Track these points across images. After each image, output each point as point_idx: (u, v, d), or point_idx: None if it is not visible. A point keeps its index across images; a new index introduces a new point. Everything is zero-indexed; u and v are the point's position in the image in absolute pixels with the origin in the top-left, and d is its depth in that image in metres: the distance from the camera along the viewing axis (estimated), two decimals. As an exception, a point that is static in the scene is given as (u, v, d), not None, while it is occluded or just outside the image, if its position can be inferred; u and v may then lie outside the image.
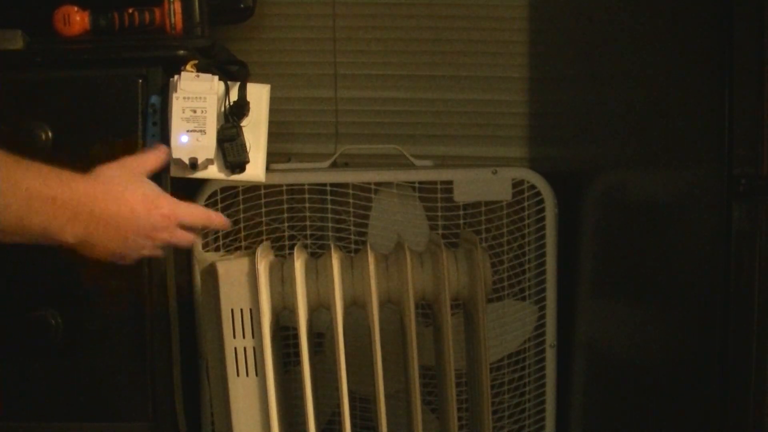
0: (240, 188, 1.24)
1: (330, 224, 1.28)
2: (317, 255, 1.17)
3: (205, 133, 1.03)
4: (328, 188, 1.25)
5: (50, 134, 1.02)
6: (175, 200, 0.93)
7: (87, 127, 1.04)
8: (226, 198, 1.23)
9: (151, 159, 0.96)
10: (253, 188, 1.24)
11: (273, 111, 1.13)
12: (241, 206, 1.24)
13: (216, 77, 1.05)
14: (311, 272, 1.07)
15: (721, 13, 0.75)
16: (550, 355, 1.26)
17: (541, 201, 1.24)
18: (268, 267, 1.05)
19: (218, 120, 1.05)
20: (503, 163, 1.35)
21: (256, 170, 1.10)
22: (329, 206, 1.27)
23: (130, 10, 1.11)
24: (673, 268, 0.86)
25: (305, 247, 1.23)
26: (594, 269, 1.15)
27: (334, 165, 1.33)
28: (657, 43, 0.91)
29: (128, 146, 1.03)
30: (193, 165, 1.04)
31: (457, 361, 1.12)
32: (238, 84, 1.08)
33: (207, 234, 1.24)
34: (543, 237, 1.25)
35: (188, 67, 1.05)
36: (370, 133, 1.49)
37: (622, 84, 1.01)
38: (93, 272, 1.04)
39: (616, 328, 1.05)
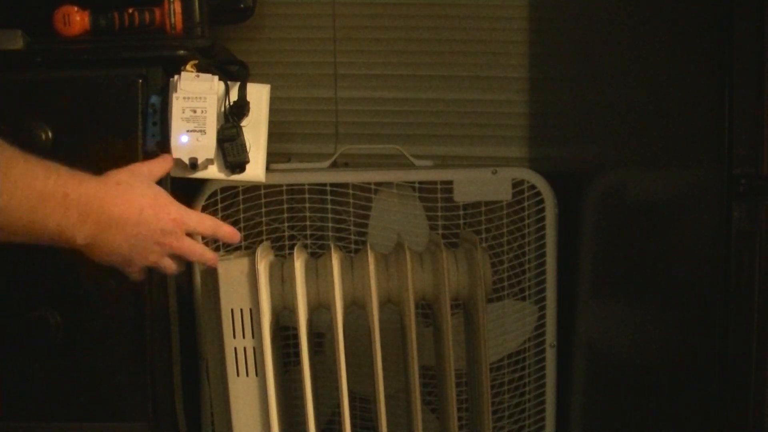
0: (240, 188, 1.24)
1: (330, 224, 1.28)
2: (317, 255, 1.17)
3: (205, 133, 1.03)
4: (328, 188, 1.25)
5: (50, 134, 1.02)
6: (184, 207, 0.93)
7: (87, 127, 1.04)
8: (226, 198, 1.24)
9: (157, 165, 0.96)
10: (253, 188, 1.24)
11: (273, 111, 1.13)
12: (241, 206, 1.24)
13: (216, 77, 1.05)
14: (311, 272, 1.07)
15: (721, 13, 0.75)
16: (550, 355, 1.26)
17: (541, 201, 1.24)
18: (268, 267, 1.05)
19: (218, 120, 1.05)
20: (503, 163, 1.35)
21: (256, 170, 1.10)
22: (329, 206, 1.27)
23: (130, 10, 1.11)
24: (673, 268, 0.86)
25: (305, 247, 1.23)
26: (594, 269, 1.15)
27: (334, 165, 1.33)
28: (657, 43, 0.91)
29: (128, 146, 1.03)
30: (193, 165, 1.04)
31: (457, 361, 1.12)
32: (238, 84, 1.08)
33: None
34: (543, 237, 1.25)
35: (188, 67, 1.05)
36: (370, 133, 1.50)
37: (622, 84, 1.01)
38: (93, 272, 1.04)
39: (616, 328, 1.05)
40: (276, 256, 1.14)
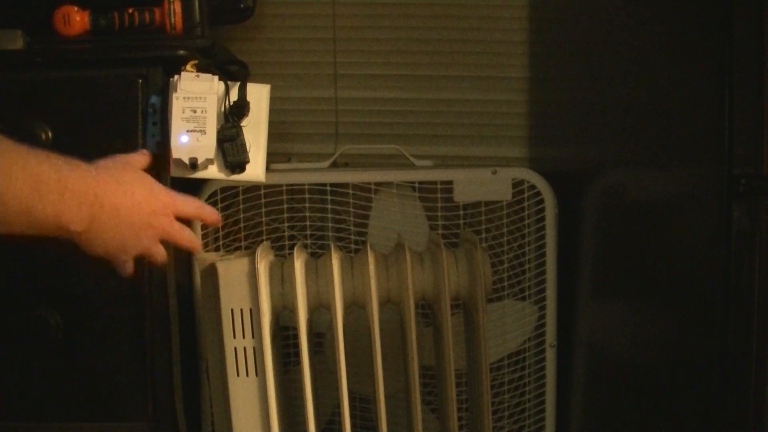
0: (240, 188, 1.24)
1: (330, 224, 1.28)
2: (317, 255, 1.17)
3: (205, 133, 1.03)
4: (328, 188, 1.25)
5: (50, 134, 1.02)
6: (170, 190, 0.93)
7: (87, 127, 1.04)
8: (226, 198, 1.24)
9: (138, 157, 0.96)
10: (253, 188, 1.24)
11: (273, 111, 1.13)
12: (241, 206, 1.24)
13: (216, 77, 1.05)
14: (311, 272, 1.07)
15: (721, 13, 0.75)
16: (550, 355, 1.26)
17: (541, 201, 1.24)
18: (268, 267, 1.05)
19: (218, 120, 1.05)
20: (503, 163, 1.35)
21: (256, 170, 1.10)
22: (329, 206, 1.27)
23: (130, 10, 1.11)
24: (673, 268, 0.86)
25: (305, 247, 1.23)
26: (594, 269, 1.15)
27: (334, 165, 1.33)
28: (657, 43, 0.91)
29: (128, 146, 1.03)
30: (193, 165, 1.04)
31: (457, 361, 1.11)
32: (238, 84, 1.08)
33: (207, 234, 1.24)
34: (543, 237, 1.25)
35: (188, 67, 1.05)
36: (370, 133, 1.49)
37: (622, 84, 1.01)
38: (93, 272, 1.04)
39: (616, 328, 1.05)
40: (276, 256, 1.14)
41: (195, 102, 1.03)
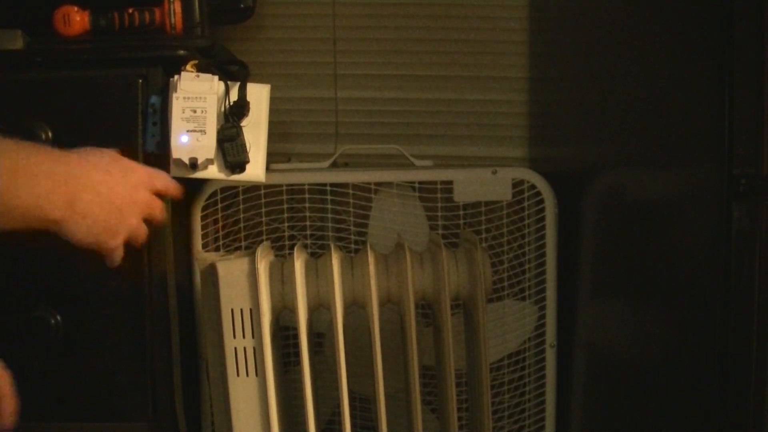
0: (240, 188, 1.24)
1: (330, 224, 1.28)
2: (317, 255, 1.17)
3: (205, 133, 1.03)
4: (328, 188, 1.25)
5: (50, 134, 1.02)
6: (144, 165, 0.91)
7: (87, 127, 1.04)
8: (226, 198, 1.24)
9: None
10: (253, 188, 1.24)
11: (273, 111, 1.13)
12: (241, 206, 1.24)
13: (216, 77, 1.05)
14: (311, 272, 1.07)
15: (721, 13, 0.75)
16: (550, 355, 1.26)
17: (541, 201, 1.24)
18: (268, 267, 1.05)
19: (218, 120, 1.05)
20: (503, 163, 1.35)
21: (256, 170, 1.10)
22: (329, 206, 1.27)
23: (130, 10, 1.11)
24: (673, 268, 0.86)
25: (305, 247, 1.23)
26: (594, 269, 1.15)
27: (334, 165, 1.33)
28: (657, 43, 0.91)
29: (128, 146, 1.03)
30: (193, 165, 1.04)
31: (457, 361, 1.12)
32: (238, 84, 1.08)
33: (207, 234, 1.24)
34: (543, 237, 1.25)
35: (188, 67, 1.05)
36: (370, 133, 1.49)
37: (622, 84, 1.01)
38: (93, 272, 1.04)
39: (616, 328, 1.05)
40: (276, 256, 1.14)
41: (195, 102, 1.03)
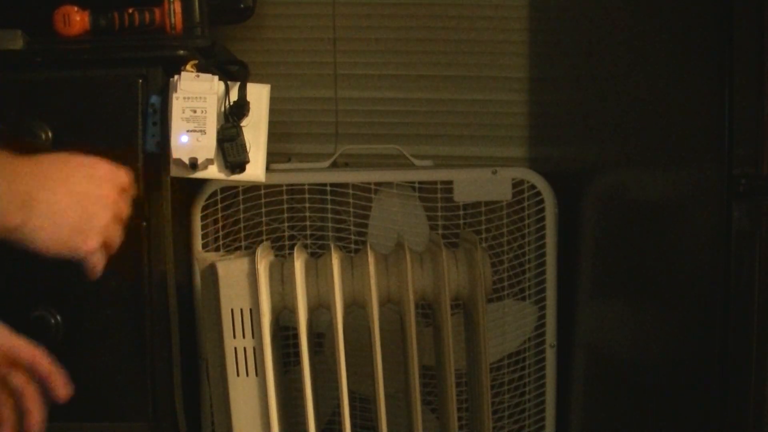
0: (240, 188, 1.24)
1: (330, 224, 1.28)
2: (317, 255, 1.17)
3: (205, 133, 1.03)
4: (328, 188, 1.25)
5: (50, 134, 1.02)
6: (107, 161, 0.81)
7: (87, 127, 1.04)
8: (226, 198, 1.24)
9: None
10: (253, 188, 1.24)
11: (273, 111, 1.13)
12: (241, 206, 1.24)
13: (216, 77, 1.05)
14: (311, 272, 1.07)
15: (721, 13, 0.75)
16: (550, 355, 1.26)
17: (541, 201, 1.24)
18: (268, 267, 1.05)
19: (218, 120, 1.05)
20: (503, 163, 1.35)
21: (256, 170, 1.10)
22: (329, 206, 1.27)
23: (130, 10, 1.11)
24: (674, 268, 0.86)
25: (305, 247, 1.23)
26: (594, 269, 1.15)
27: (334, 165, 1.33)
28: (657, 43, 0.91)
29: (128, 146, 1.03)
30: (193, 165, 1.04)
31: (457, 361, 1.12)
32: (238, 84, 1.08)
33: (207, 234, 1.24)
34: (543, 237, 1.25)
35: (188, 67, 1.05)
36: (370, 133, 1.49)
37: (623, 84, 1.01)
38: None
39: (616, 328, 1.05)
40: (276, 256, 1.14)
41: (195, 102, 1.03)
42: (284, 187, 1.25)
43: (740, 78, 0.74)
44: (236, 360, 1.05)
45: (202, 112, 1.03)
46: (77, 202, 0.73)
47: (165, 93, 1.04)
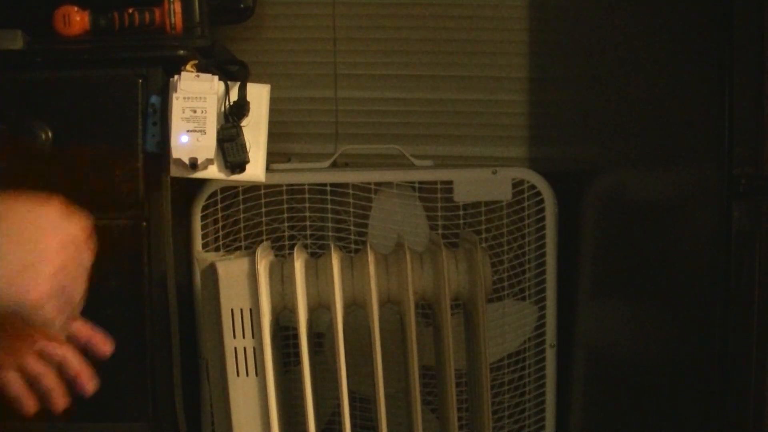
0: (240, 188, 1.24)
1: (330, 224, 1.28)
2: (317, 255, 1.17)
3: (205, 133, 1.03)
4: (328, 188, 1.25)
5: (50, 134, 1.02)
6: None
7: (87, 127, 1.04)
8: (226, 198, 1.24)
9: None
10: (253, 188, 1.24)
11: (273, 111, 1.13)
12: (241, 206, 1.24)
13: (216, 77, 1.05)
14: (311, 272, 1.07)
15: (721, 13, 0.75)
16: (550, 355, 1.26)
17: (541, 201, 1.24)
18: (268, 267, 1.05)
19: (218, 120, 1.05)
20: (503, 163, 1.35)
21: (256, 170, 1.10)
22: (329, 206, 1.27)
23: (130, 10, 1.11)
24: (674, 268, 0.86)
25: (305, 247, 1.23)
26: (594, 269, 1.15)
27: (334, 165, 1.33)
28: (657, 43, 0.91)
29: (128, 146, 1.03)
30: (193, 165, 1.04)
31: (457, 361, 1.11)
32: (238, 84, 1.08)
33: (207, 234, 1.24)
34: (543, 237, 1.25)
35: (188, 67, 1.05)
36: (370, 133, 1.49)
37: (622, 84, 1.01)
38: (93, 272, 1.04)
39: (616, 328, 1.05)
40: (276, 256, 1.14)
41: (195, 102, 1.03)
42: (284, 187, 1.25)
43: (740, 78, 0.74)
44: (236, 360, 1.05)
45: (202, 112, 1.03)
46: (19, 250, 0.64)
47: (165, 93, 1.04)
